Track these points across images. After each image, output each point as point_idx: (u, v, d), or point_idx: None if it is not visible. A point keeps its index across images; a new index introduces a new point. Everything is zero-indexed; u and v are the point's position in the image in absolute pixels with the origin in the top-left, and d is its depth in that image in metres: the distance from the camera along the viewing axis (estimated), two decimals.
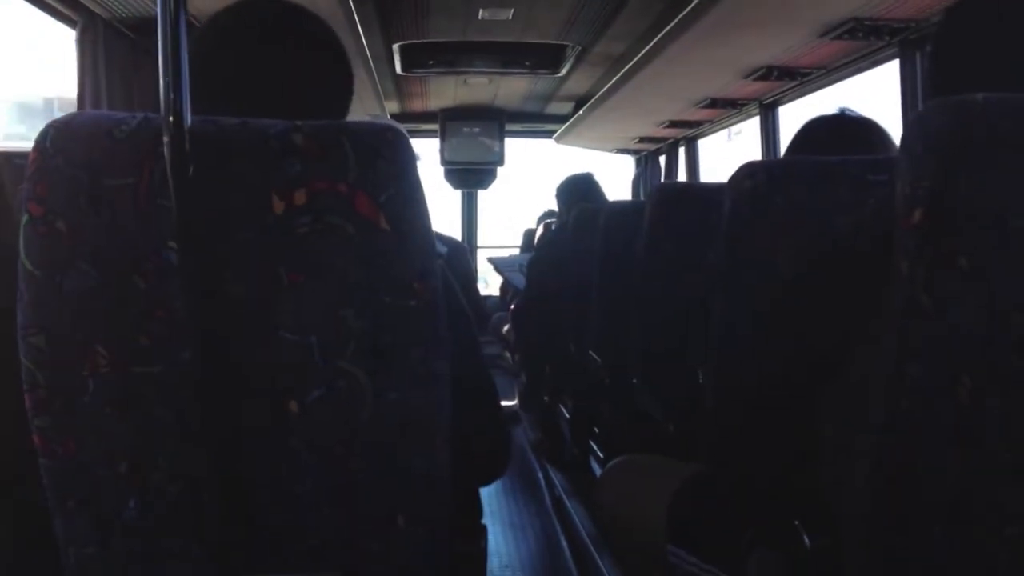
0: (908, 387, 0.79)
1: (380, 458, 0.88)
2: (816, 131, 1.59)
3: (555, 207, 4.84)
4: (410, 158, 0.86)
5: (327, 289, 0.85)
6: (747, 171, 1.36)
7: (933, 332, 0.78)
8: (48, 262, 0.83)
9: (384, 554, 0.91)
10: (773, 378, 1.10)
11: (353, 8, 2.58)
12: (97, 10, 2.41)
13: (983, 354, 0.77)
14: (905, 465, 0.81)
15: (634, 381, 2.12)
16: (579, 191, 3.81)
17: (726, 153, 4.99)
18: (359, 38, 2.93)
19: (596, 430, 2.81)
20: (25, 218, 0.83)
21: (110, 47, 2.50)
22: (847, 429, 0.90)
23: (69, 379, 0.84)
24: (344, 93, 1.07)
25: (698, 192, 2.14)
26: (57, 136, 0.83)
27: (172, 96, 0.77)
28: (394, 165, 0.85)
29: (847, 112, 1.60)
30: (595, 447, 2.80)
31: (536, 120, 5.75)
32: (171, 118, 0.77)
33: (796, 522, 0.96)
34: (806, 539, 0.96)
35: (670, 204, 2.06)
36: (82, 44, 2.46)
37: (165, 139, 0.77)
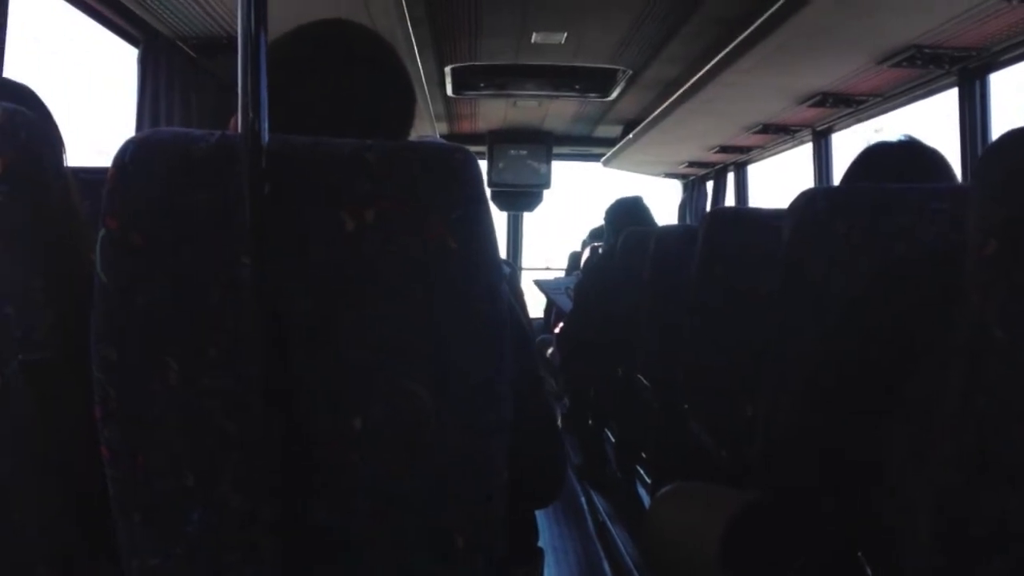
0: (976, 419, 0.78)
1: (441, 477, 0.88)
2: (879, 158, 1.57)
3: (599, 229, 4.85)
4: (478, 179, 0.86)
5: (394, 307, 0.85)
6: (808, 197, 1.35)
7: (1004, 365, 0.76)
8: (123, 275, 0.84)
9: (442, 575, 0.90)
10: (832, 405, 1.08)
11: (411, 30, 2.62)
12: (160, 28, 2.47)
13: None
14: (972, 498, 0.79)
15: (685, 406, 2.11)
16: (628, 215, 3.81)
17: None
18: (415, 60, 2.97)
19: (643, 455, 2.78)
20: (102, 232, 0.84)
21: (171, 65, 2.56)
22: (912, 459, 0.89)
23: (139, 391, 0.85)
24: (407, 114, 1.08)
25: (752, 217, 2.12)
26: (136, 152, 0.85)
27: (250, 115, 0.78)
28: (464, 186, 0.85)
29: (912, 140, 1.58)
30: (642, 472, 2.78)
31: (584, 143, 5.77)
32: (249, 136, 0.78)
33: (860, 553, 0.95)
34: (869, 572, 0.94)
35: (724, 229, 2.04)
36: (143, 62, 2.52)
37: (242, 157, 0.78)
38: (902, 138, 1.58)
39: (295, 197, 0.84)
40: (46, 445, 0.93)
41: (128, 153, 0.84)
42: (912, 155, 1.55)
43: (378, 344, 0.86)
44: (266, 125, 0.78)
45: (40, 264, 0.91)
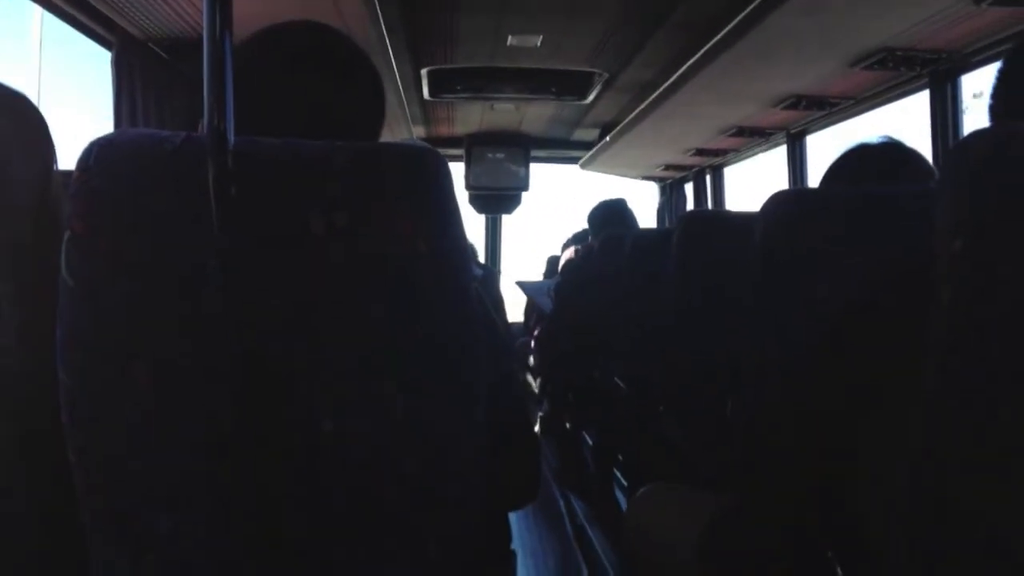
0: (947, 419, 0.78)
1: (413, 482, 0.88)
2: (862, 159, 1.57)
3: (582, 232, 4.86)
4: (448, 181, 0.86)
5: (364, 311, 0.84)
6: (780, 199, 1.36)
7: (974, 364, 0.77)
8: (89, 278, 0.83)
9: None
10: (806, 408, 1.08)
11: (385, 33, 2.61)
12: (133, 31, 2.46)
13: None
14: (943, 499, 0.79)
15: (661, 408, 2.11)
16: (611, 217, 3.82)
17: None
18: (390, 63, 2.96)
19: (620, 458, 2.79)
20: (67, 235, 0.83)
21: (145, 67, 2.55)
22: (884, 460, 0.89)
23: (108, 396, 0.84)
24: (377, 116, 1.07)
25: (728, 220, 2.14)
26: (100, 154, 0.83)
27: (216, 116, 0.77)
28: (433, 188, 0.85)
29: (894, 141, 1.57)
30: (619, 475, 2.78)
31: (561, 146, 5.78)
32: (215, 138, 0.78)
33: (829, 554, 0.95)
34: (839, 572, 0.94)
35: (699, 231, 2.05)
36: (118, 64, 2.51)
37: (209, 159, 0.78)
38: (884, 139, 1.58)
39: (263, 199, 0.83)
40: (13, 451, 0.92)
41: (92, 155, 0.83)
42: (895, 157, 1.55)
43: (348, 347, 0.85)
44: (232, 126, 0.78)
45: (7, 268, 0.90)
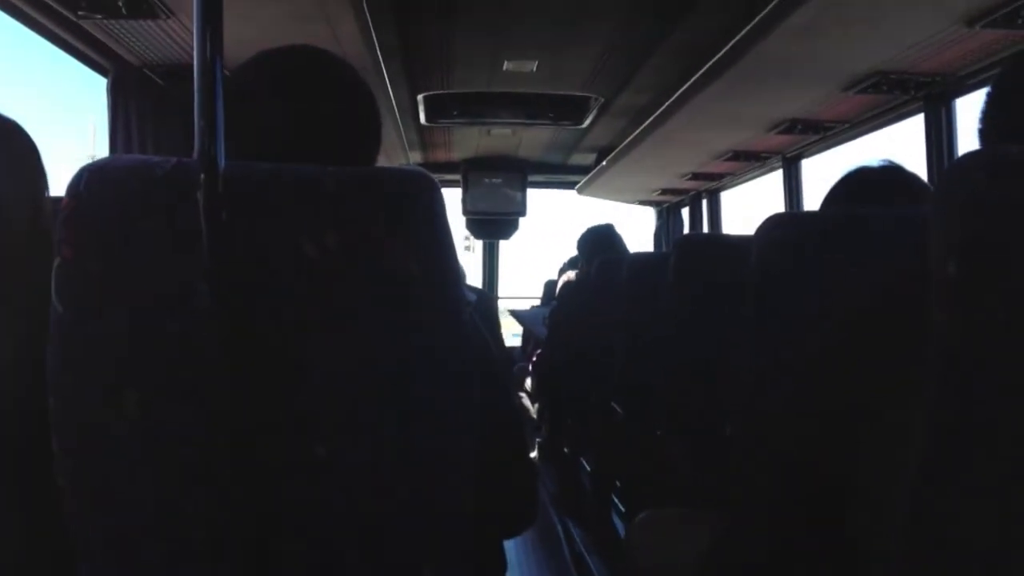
0: (945, 438, 0.77)
1: (407, 507, 0.87)
2: (862, 182, 1.57)
3: (573, 257, 4.86)
4: (440, 205, 0.86)
5: (356, 333, 0.84)
6: (775, 222, 1.36)
7: (970, 383, 0.76)
8: (80, 304, 0.83)
9: None
10: (803, 429, 1.08)
11: (381, 59, 2.62)
12: (129, 58, 2.47)
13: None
14: (942, 517, 0.79)
15: (658, 432, 2.10)
16: (600, 242, 3.83)
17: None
18: (387, 89, 2.97)
19: (618, 484, 2.77)
20: (57, 261, 0.83)
21: (141, 94, 2.56)
22: (882, 479, 0.88)
23: (98, 422, 0.84)
24: (373, 141, 1.07)
25: (723, 242, 2.14)
26: (91, 180, 0.83)
27: (207, 140, 0.77)
28: (425, 211, 0.85)
29: (894, 164, 1.57)
30: (616, 501, 2.76)
31: (558, 171, 5.79)
32: (205, 162, 0.77)
33: None
34: None
35: (695, 254, 2.06)
36: (114, 91, 2.52)
37: (200, 183, 0.77)
38: (884, 162, 1.57)
39: (254, 223, 0.83)
40: (5, 476, 0.91)
41: (83, 181, 0.83)
42: (895, 180, 1.54)
43: (340, 371, 0.84)
44: (222, 150, 0.77)
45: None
